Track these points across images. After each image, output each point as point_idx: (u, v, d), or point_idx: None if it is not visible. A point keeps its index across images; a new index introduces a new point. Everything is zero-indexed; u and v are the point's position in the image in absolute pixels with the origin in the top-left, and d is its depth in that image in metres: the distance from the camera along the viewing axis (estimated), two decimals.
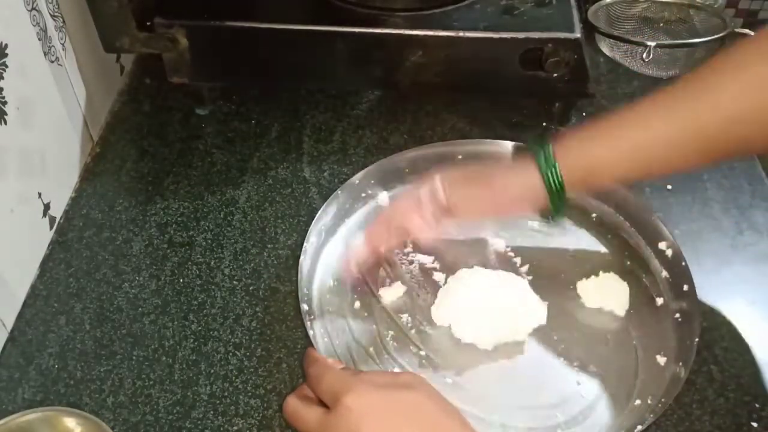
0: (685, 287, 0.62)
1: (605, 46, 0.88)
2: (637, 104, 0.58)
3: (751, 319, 0.64)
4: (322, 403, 0.47)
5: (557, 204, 0.59)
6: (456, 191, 0.61)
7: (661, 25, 0.92)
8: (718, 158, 0.62)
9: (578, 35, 0.73)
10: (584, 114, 0.83)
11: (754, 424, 0.57)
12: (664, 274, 0.65)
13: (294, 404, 0.49)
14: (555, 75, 0.74)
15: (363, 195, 0.72)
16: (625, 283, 0.64)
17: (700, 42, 0.83)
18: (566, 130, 0.61)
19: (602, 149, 0.58)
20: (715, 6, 0.90)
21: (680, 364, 0.58)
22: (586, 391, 0.59)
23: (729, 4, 1.56)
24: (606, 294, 0.64)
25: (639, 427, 0.54)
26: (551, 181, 0.58)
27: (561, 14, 0.75)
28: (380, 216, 0.66)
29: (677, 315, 0.62)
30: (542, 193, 0.58)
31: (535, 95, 0.81)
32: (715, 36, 0.83)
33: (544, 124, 0.82)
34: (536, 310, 0.62)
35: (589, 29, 0.84)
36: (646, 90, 0.86)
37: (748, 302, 0.66)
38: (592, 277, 0.65)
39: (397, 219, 0.63)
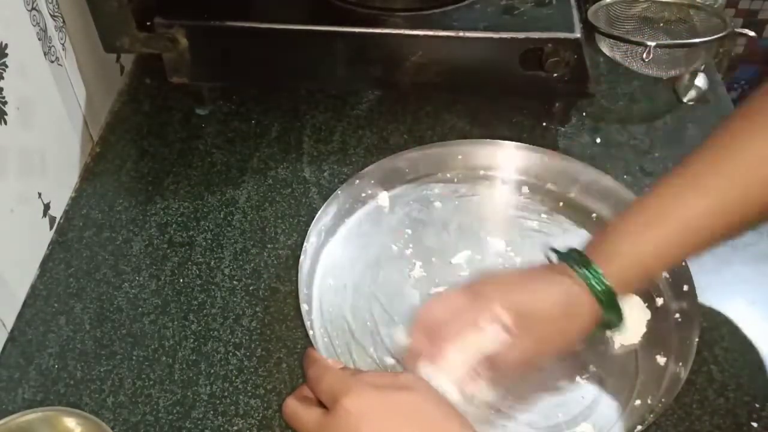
0: (685, 287, 0.62)
1: (605, 46, 0.88)
2: (667, 181, 0.55)
3: (751, 319, 0.64)
4: (322, 404, 0.47)
5: (613, 311, 0.54)
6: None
7: (661, 25, 0.92)
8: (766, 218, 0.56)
9: (578, 35, 0.73)
10: (584, 114, 0.83)
11: (754, 424, 0.57)
12: (664, 274, 0.65)
13: (293, 405, 0.49)
14: (555, 75, 0.74)
15: (363, 195, 0.72)
16: (649, 312, 0.62)
17: (700, 42, 0.83)
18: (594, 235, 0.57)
19: (649, 242, 0.54)
20: (715, 6, 0.90)
21: (680, 364, 0.58)
22: (587, 391, 0.59)
23: (729, 4, 1.56)
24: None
25: (639, 427, 0.54)
26: (599, 291, 0.53)
27: (561, 14, 0.75)
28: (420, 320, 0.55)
29: (677, 315, 0.62)
30: (592, 309, 0.53)
31: (535, 95, 0.81)
32: (715, 36, 0.83)
33: (544, 124, 0.82)
34: None
35: (589, 29, 0.84)
36: (646, 90, 0.87)
37: (748, 302, 0.66)
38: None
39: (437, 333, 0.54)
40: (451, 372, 0.52)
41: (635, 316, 0.61)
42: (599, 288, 0.53)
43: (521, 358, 0.54)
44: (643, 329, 0.61)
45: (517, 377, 0.57)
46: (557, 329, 0.54)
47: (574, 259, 0.54)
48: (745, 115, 0.55)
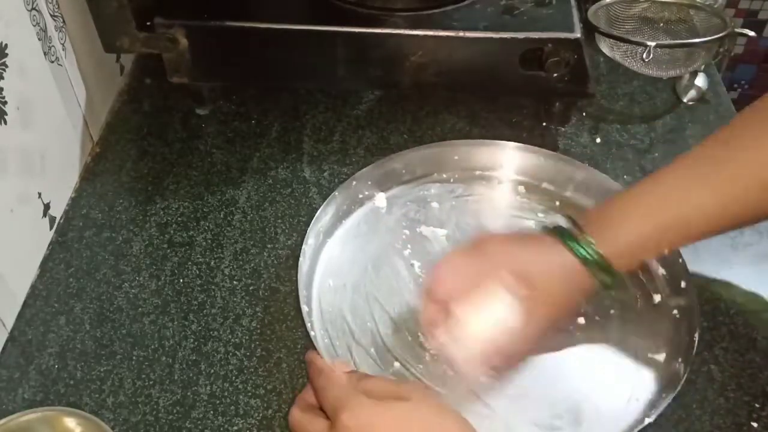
0: (683, 284, 0.62)
1: (605, 46, 0.88)
2: (668, 170, 0.56)
3: (751, 319, 0.64)
4: None
5: (606, 275, 0.55)
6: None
7: (661, 25, 0.92)
8: (760, 219, 0.58)
9: (578, 35, 0.73)
10: (584, 114, 0.83)
11: (754, 424, 0.57)
12: (661, 271, 0.65)
13: (299, 417, 0.49)
14: (555, 75, 0.74)
15: (360, 196, 0.72)
16: None
17: (700, 42, 0.83)
18: (586, 212, 0.61)
19: (639, 228, 0.55)
20: (715, 6, 0.90)
21: (680, 360, 0.58)
22: (587, 388, 0.59)
23: (729, 4, 1.56)
24: None
25: (642, 424, 0.54)
26: (594, 260, 0.54)
27: (561, 14, 0.75)
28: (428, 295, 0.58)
29: (675, 312, 0.62)
30: (587, 279, 0.55)
31: (535, 95, 0.81)
32: (715, 36, 0.83)
33: (544, 124, 0.82)
34: None
35: (589, 29, 0.84)
36: (646, 90, 0.87)
37: (749, 302, 0.66)
38: None
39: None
40: (469, 341, 0.54)
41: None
42: (591, 258, 0.54)
43: (539, 327, 0.55)
44: None
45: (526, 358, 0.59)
46: (564, 291, 0.55)
47: (564, 234, 0.55)
48: (751, 117, 0.56)
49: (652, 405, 0.56)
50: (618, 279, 0.56)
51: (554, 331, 0.59)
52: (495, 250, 0.57)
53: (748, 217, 0.56)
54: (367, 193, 0.72)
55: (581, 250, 0.54)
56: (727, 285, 0.67)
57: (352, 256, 0.68)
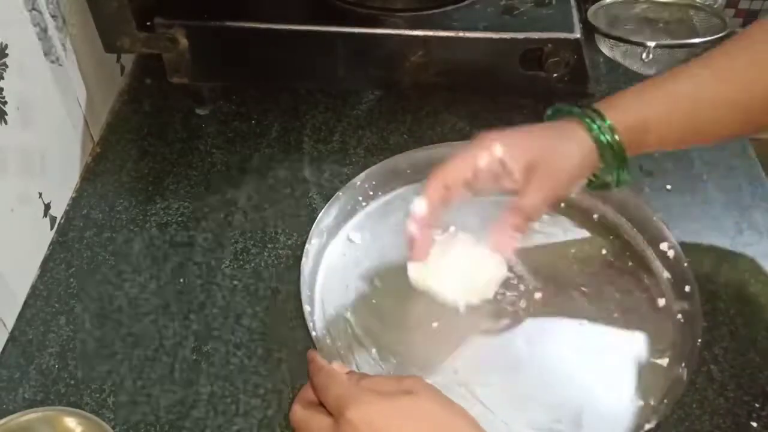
0: (687, 288, 0.62)
1: (605, 46, 0.88)
2: (688, 65, 0.58)
3: (751, 319, 0.64)
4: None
5: (619, 169, 0.58)
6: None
7: (661, 25, 0.92)
8: (761, 126, 0.60)
9: (578, 35, 0.73)
10: None
11: (754, 424, 0.57)
12: (666, 275, 0.65)
13: (301, 414, 0.49)
14: (555, 75, 0.74)
15: (364, 196, 0.72)
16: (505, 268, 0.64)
17: (700, 42, 0.83)
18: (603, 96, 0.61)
19: (658, 107, 0.57)
20: (715, 6, 0.90)
21: (683, 365, 0.58)
22: (589, 392, 0.59)
23: (729, 4, 1.56)
24: None
25: (642, 429, 0.54)
26: (611, 145, 0.56)
27: (561, 14, 0.75)
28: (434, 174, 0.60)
29: (679, 316, 0.62)
30: (595, 162, 0.57)
31: (535, 95, 0.81)
32: (715, 36, 0.83)
33: None
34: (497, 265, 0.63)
35: (589, 29, 0.84)
36: None
37: (749, 302, 0.66)
38: None
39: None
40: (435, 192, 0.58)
41: (490, 272, 0.62)
42: (614, 150, 0.56)
43: (538, 203, 0.57)
44: (495, 288, 0.62)
45: None
46: (567, 176, 0.57)
47: (594, 118, 0.57)
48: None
49: (654, 410, 0.56)
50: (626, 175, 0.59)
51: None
52: (500, 133, 0.59)
53: (754, 119, 0.58)
54: (371, 193, 0.72)
55: (595, 127, 0.56)
56: (727, 285, 0.67)
57: (355, 257, 0.68)
